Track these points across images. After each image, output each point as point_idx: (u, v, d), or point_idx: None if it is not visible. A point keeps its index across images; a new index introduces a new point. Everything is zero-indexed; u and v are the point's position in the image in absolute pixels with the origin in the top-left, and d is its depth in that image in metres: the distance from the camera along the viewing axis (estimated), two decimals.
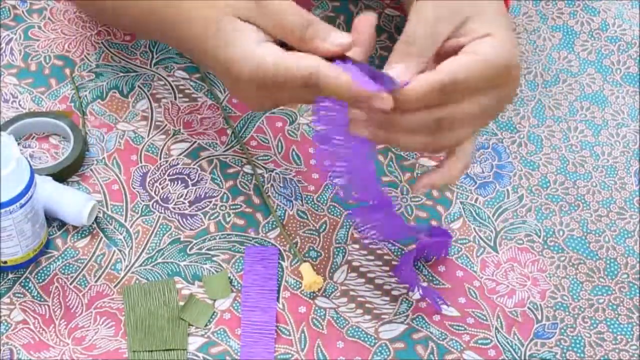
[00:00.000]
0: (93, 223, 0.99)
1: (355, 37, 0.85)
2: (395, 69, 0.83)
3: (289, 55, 0.83)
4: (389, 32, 1.14)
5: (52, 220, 0.98)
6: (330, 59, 0.83)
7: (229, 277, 0.96)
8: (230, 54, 0.84)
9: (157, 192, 1.01)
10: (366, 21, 0.86)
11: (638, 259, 0.99)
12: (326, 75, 0.81)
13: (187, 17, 0.88)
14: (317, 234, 0.99)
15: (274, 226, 0.99)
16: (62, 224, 0.99)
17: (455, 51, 0.84)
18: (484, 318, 0.95)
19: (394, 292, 0.96)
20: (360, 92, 0.81)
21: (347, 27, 1.14)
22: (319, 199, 1.01)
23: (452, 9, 0.84)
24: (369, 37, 0.86)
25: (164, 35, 0.94)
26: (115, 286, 0.95)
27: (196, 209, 1.00)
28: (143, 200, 1.00)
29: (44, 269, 0.96)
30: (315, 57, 0.82)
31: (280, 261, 0.97)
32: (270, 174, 1.03)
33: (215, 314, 0.94)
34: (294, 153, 1.04)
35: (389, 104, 0.81)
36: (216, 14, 0.85)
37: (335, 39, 0.83)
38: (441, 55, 0.85)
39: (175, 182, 1.02)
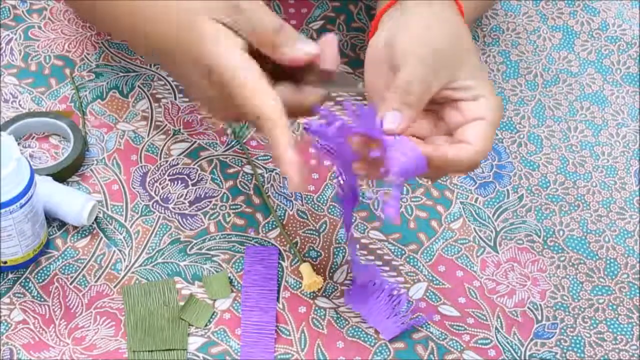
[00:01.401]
0: (93, 223, 0.99)
1: (321, 53, 0.87)
2: (392, 116, 0.84)
3: (250, 82, 0.83)
4: None
5: (52, 220, 0.98)
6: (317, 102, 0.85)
7: (229, 277, 0.96)
8: (214, 57, 0.84)
9: (157, 192, 1.01)
10: (330, 41, 0.87)
11: (638, 259, 0.99)
12: (270, 130, 0.82)
13: (162, 17, 0.88)
14: (317, 234, 0.99)
15: (274, 226, 0.99)
16: (62, 224, 0.99)
17: (445, 101, 0.87)
18: (484, 318, 0.95)
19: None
20: (285, 167, 0.82)
21: (347, 27, 1.14)
22: (319, 199, 1.01)
23: (447, 64, 0.86)
24: (333, 55, 0.87)
25: (135, 34, 0.92)
26: (115, 286, 0.95)
27: (196, 209, 1.00)
28: (143, 200, 1.00)
29: (44, 269, 0.96)
30: (270, 102, 0.82)
31: (280, 261, 0.97)
32: (270, 174, 1.03)
33: (215, 314, 0.94)
34: None
35: (295, 189, 0.82)
36: (193, 16, 0.85)
37: (302, 46, 0.85)
38: (430, 102, 0.87)
39: (175, 182, 1.02)
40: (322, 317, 0.94)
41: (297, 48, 0.85)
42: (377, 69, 0.88)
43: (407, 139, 0.84)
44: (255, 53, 0.85)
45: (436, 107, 0.88)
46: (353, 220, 0.99)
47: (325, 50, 0.86)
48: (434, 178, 0.89)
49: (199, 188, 1.01)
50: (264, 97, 0.83)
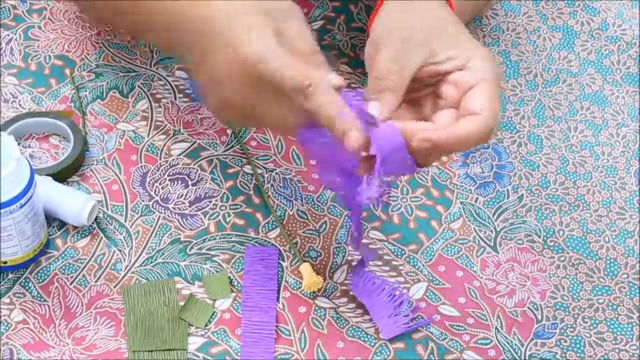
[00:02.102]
0: (93, 223, 0.99)
1: None
2: (372, 107, 0.84)
3: (296, 60, 0.84)
4: None
5: (52, 220, 0.98)
6: None
7: (229, 277, 0.96)
8: (245, 36, 0.84)
9: (157, 192, 1.01)
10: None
11: (638, 259, 0.99)
12: (321, 94, 0.83)
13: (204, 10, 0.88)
14: (317, 234, 0.99)
15: (274, 226, 0.99)
16: (62, 224, 0.99)
17: (434, 76, 0.87)
18: (484, 318, 0.95)
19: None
20: (340, 123, 0.82)
21: (347, 27, 1.14)
22: (319, 199, 1.01)
23: (422, 40, 0.86)
24: None
25: (169, 30, 0.92)
26: (115, 286, 0.95)
27: (196, 209, 1.00)
28: (143, 200, 1.00)
29: (44, 269, 0.96)
30: (317, 73, 0.84)
31: (280, 261, 0.97)
32: (270, 174, 1.03)
33: (215, 314, 0.94)
34: (294, 153, 1.04)
35: (354, 146, 0.82)
36: (246, 6, 0.86)
37: (332, 79, 0.85)
38: (417, 80, 0.87)
39: (175, 182, 1.02)
40: (322, 317, 0.94)
41: (328, 79, 0.84)
42: (371, 68, 0.88)
43: (390, 124, 0.84)
44: None
45: (432, 88, 0.88)
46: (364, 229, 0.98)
47: None
48: (460, 152, 0.88)
49: (199, 188, 1.01)
50: (311, 69, 0.83)
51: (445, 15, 0.89)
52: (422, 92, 0.89)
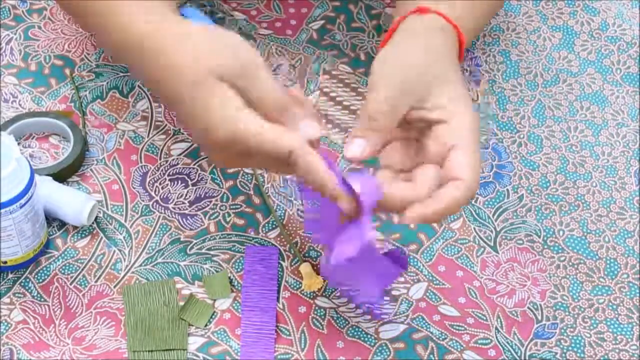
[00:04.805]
0: (93, 223, 0.99)
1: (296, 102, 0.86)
2: (356, 144, 0.85)
3: (270, 129, 0.82)
4: None
5: (52, 220, 0.98)
6: None
7: (229, 277, 0.96)
8: (210, 119, 0.83)
9: (157, 192, 1.01)
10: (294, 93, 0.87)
11: (638, 259, 0.99)
12: (304, 159, 0.82)
13: (168, 72, 0.85)
14: None
15: (274, 226, 1.00)
16: (62, 224, 0.99)
17: (420, 121, 0.87)
18: (484, 318, 0.95)
19: (394, 292, 0.96)
20: (333, 188, 0.82)
21: (347, 26, 1.14)
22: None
23: (416, 85, 0.87)
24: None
25: (145, 78, 0.90)
26: (115, 286, 0.95)
27: (196, 209, 1.00)
28: (143, 200, 1.00)
29: (44, 269, 0.96)
30: (296, 136, 0.83)
31: (280, 261, 0.97)
32: (270, 174, 1.03)
33: (215, 314, 0.94)
34: None
35: (348, 211, 0.83)
36: (198, 76, 0.83)
37: (306, 129, 0.84)
38: (405, 120, 0.87)
39: (175, 182, 1.02)
40: (322, 317, 0.94)
41: (301, 131, 0.84)
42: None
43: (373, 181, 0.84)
44: None
45: (416, 134, 0.88)
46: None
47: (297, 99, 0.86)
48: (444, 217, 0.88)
49: (199, 188, 1.01)
50: (286, 134, 0.82)
51: (447, 59, 0.89)
52: (410, 132, 0.89)
